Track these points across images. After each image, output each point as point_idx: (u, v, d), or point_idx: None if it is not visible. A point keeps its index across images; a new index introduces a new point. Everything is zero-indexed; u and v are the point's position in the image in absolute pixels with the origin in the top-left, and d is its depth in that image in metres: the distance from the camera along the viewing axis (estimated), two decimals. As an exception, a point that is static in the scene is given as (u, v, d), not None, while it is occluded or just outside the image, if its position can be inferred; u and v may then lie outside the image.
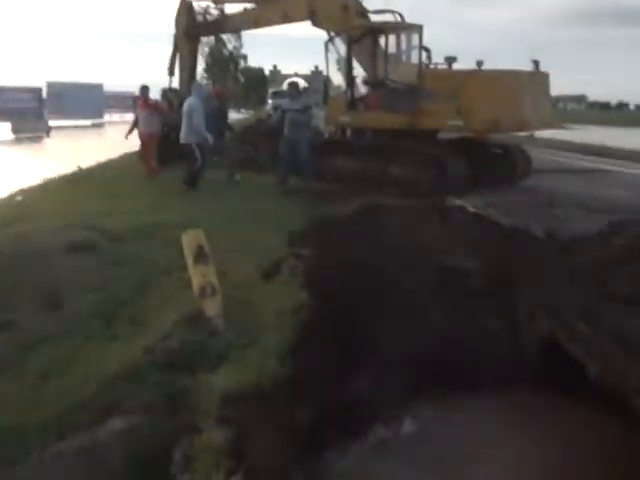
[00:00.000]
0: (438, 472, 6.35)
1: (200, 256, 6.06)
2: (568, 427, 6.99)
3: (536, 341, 7.82)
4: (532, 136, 30.95)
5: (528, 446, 6.78)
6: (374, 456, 6.59)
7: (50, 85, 42.61)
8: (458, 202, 11.17)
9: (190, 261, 6.14)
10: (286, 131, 13.97)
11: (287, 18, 16.97)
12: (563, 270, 7.62)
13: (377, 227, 9.08)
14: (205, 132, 13.25)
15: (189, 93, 15.71)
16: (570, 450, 6.63)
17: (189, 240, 6.23)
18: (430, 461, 6.50)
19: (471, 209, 10.22)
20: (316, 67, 57.35)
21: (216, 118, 14.94)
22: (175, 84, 19.20)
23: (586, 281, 7.23)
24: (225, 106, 16.56)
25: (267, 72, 73.50)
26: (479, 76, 13.50)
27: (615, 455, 6.49)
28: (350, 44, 15.01)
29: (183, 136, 13.29)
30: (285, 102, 14.49)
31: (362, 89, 15.41)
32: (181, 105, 15.78)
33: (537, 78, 14.22)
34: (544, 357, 7.76)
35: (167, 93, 18.70)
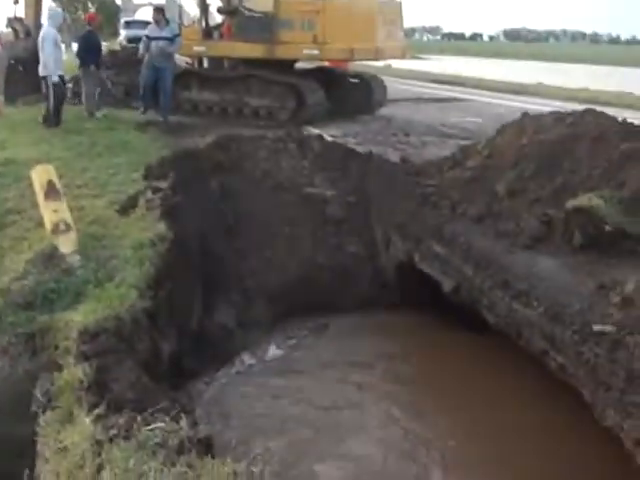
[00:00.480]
0: (295, 378, 6.70)
1: (51, 192, 5.83)
2: (424, 340, 7.39)
3: (394, 263, 8.12)
4: (390, 66, 31.47)
5: (382, 354, 7.16)
6: (240, 380, 6.73)
7: None
8: (316, 131, 11.23)
9: (40, 197, 5.90)
10: (150, 60, 13.16)
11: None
12: (418, 194, 7.88)
13: (235, 158, 9.03)
14: (52, 64, 12.51)
15: (37, 23, 14.79)
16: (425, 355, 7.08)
17: (39, 176, 5.98)
18: (290, 372, 6.78)
19: (329, 138, 10.31)
20: (171, -4, 55.20)
21: (87, 47, 14.04)
22: (21, 12, 17.93)
23: (439, 202, 7.51)
24: (97, 34, 15.35)
25: (119, 1, 69.94)
26: (334, 4, 13.47)
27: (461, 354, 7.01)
28: (203, -30, 14.56)
29: (40, 68, 12.48)
30: (151, 29, 13.56)
31: (217, 17, 15.03)
32: (28, 35, 14.83)
33: (390, 7, 14.34)
34: (402, 278, 8.09)
35: (12, 22, 17.41)
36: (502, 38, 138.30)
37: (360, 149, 9.97)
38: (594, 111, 7.88)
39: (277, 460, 4.47)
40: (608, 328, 4.79)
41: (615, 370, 4.60)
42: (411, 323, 7.66)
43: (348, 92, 14.79)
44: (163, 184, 7.44)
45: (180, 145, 9.96)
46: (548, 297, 5.45)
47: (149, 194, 7.17)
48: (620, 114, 8.20)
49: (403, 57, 15.66)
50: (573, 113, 7.87)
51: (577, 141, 7.25)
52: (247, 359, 7.19)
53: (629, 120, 7.63)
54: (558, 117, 7.85)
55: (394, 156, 10.01)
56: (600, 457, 5.21)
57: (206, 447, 3.63)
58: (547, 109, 10.75)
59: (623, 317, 4.81)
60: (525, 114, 8.55)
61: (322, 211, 8.75)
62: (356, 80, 15.35)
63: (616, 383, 4.58)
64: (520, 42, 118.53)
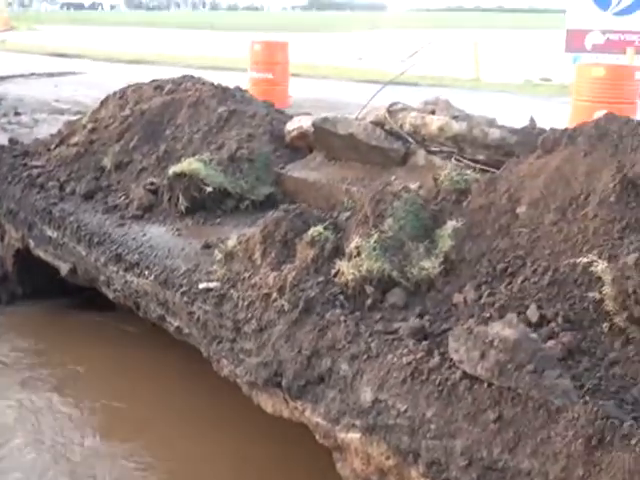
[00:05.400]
0: None
1: None
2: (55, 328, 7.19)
3: (11, 253, 7.69)
4: (4, 41, 29.43)
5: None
6: None
7: None
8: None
9: None
10: None
11: None
12: (25, 176, 7.51)
13: None
14: None
15: None
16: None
17: None
18: None
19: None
20: None
21: None
22: None
23: (47, 183, 7.23)
24: None
25: None
26: None
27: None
28: None
29: None
30: None
31: None
32: None
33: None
34: (22, 268, 7.72)
35: None
36: (123, 7, 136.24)
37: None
38: (192, 77, 8.15)
39: None
40: (213, 284, 5.02)
41: (223, 323, 4.86)
42: (35, 313, 7.40)
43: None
44: None
45: None
46: (158, 264, 5.56)
47: None
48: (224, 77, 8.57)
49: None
50: (172, 80, 8.04)
51: (177, 108, 7.43)
52: None
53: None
54: (158, 85, 7.97)
55: (2, 138, 9.46)
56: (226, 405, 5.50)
57: None
58: (166, 77, 10.83)
59: (226, 272, 5.07)
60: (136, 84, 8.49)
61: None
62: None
63: (226, 335, 4.85)
64: (141, 10, 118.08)
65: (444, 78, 17.90)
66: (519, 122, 6.02)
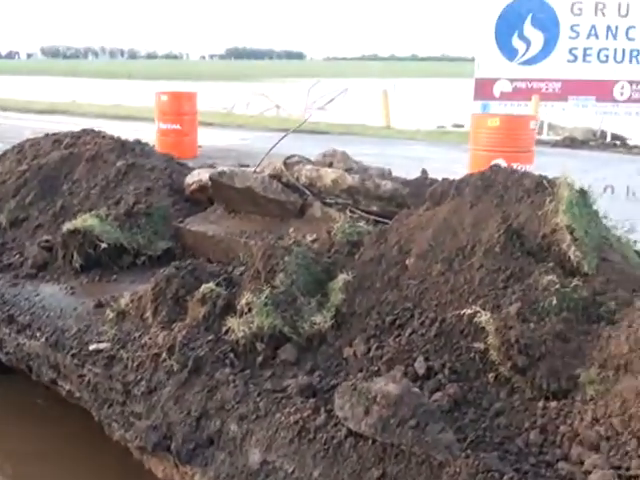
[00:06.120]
0: None
1: None
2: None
3: None
4: None
5: None
6: None
7: None
8: None
9: None
10: None
11: None
12: None
13: None
14: None
15: None
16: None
17: None
18: None
19: None
20: None
21: None
22: None
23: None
24: None
25: None
26: None
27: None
28: None
29: None
30: None
31: None
32: None
33: None
34: None
35: None
36: (40, 55, 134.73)
37: None
38: (92, 130, 8.04)
39: None
40: (103, 345, 4.89)
41: (113, 385, 4.72)
42: None
43: None
44: None
45: None
46: (50, 325, 5.38)
47: None
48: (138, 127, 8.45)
49: None
50: (70, 134, 7.91)
51: (75, 162, 7.30)
52: None
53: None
54: (56, 139, 7.83)
55: None
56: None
57: None
58: (76, 127, 10.60)
59: (117, 332, 4.94)
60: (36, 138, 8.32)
61: None
62: None
63: (116, 397, 4.71)
64: (59, 59, 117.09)
65: (354, 126, 18.15)
66: (420, 170, 6.14)
